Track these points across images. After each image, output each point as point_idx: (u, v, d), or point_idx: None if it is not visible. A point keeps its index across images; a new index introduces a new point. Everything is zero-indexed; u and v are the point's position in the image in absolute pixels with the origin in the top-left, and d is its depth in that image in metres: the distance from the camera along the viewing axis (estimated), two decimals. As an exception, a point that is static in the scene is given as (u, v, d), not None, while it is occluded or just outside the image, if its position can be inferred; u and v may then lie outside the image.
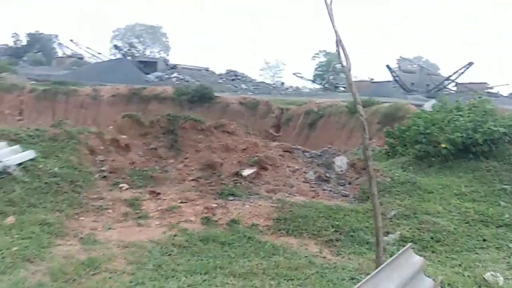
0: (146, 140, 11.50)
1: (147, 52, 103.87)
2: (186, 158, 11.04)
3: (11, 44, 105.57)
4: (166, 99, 49.94)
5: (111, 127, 12.05)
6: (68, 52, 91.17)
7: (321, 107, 43.48)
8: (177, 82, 62.33)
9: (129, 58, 77.43)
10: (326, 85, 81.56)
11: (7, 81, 54.69)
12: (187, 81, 64.47)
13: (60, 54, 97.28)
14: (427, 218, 8.11)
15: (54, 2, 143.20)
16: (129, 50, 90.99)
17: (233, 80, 70.60)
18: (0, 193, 7.93)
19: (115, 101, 50.41)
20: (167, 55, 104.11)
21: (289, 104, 48.76)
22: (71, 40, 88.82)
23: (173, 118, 11.76)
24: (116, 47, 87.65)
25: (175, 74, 69.50)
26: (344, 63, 5.33)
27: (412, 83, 66.98)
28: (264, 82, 78.54)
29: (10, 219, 7.20)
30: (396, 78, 67.15)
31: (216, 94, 49.82)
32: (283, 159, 11.13)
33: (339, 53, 5.26)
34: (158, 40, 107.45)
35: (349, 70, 5.34)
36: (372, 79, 77.24)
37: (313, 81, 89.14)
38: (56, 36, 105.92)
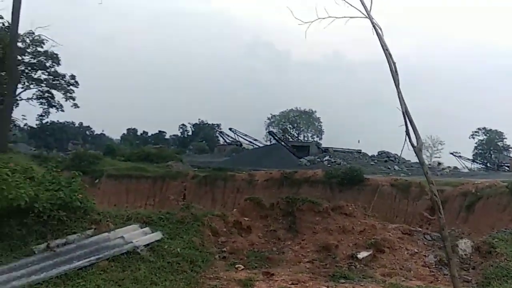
0: (266, 222, 11.97)
1: (301, 137, 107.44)
2: (303, 240, 11.23)
3: (179, 134, 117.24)
4: (316, 182, 50.56)
5: (235, 209, 12.81)
6: (228, 140, 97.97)
7: (478, 188, 40.72)
8: (329, 165, 63.08)
9: (282, 143, 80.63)
10: (488, 165, 76.33)
11: (173, 169, 59.92)
12: (338, 163, 64.95)
13: (221, 142, 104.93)
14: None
15: (217, 94, 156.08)
16: (283, 135, 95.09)
17: (385, 161, 69.52)
18: (128, 271, 8.87)
19: (268, 185, 52.33)
20: (320, 139, 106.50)
21: (444, 185, 46.29)
22: (230, 129, 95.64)
23: (291, 200, 12.17)
24: (270, 133, 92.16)
25: (326, 157, 70.57)
26: (415, 142, 5.34)
27: None
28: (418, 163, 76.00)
29: (132, 296, 8.00)
30: None
31: (366, 176, 49.35)
32: (401, 241, 10.79)
33: (407, 130, 5.30)
34: (312, 124, 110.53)
35: (420, 150, 5.34)
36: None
37: (473, 161, 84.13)
38: (218, 125, 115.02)
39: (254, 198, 12.85)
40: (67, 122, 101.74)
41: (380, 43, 6.24)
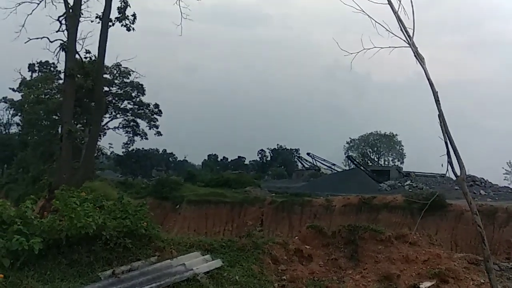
0: (328, 250, 11.87)
1: (381, 161, 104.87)
2: (365, 269, 11.03)
3: (258, 159, 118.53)
4: (396, 207, 48.99)
5: (296, 237, 12.79)
6: (306, 165, 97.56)
7: None
8: (410, 190, 61.11)
9: (362, 168, 79.16)
10: None
11: (251, 194, 60.37)
12: (420, 188, 62.78)
13: (299, 167, 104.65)
14: None
15: (295, 118, 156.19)
16: (362, 160, 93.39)
17: (471, 186, 66.21)
18: (187, 298, 9.17)
19: (346, 211, 51.36)
20: (402, 163, 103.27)
21: (528, 215, 43.65)
22: (308, 154, 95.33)
23: (353, 228, 12.01)
24: (349, 157, 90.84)
25: (408, 182, 68.41)
26: (458, 172, 5.20)
27: None
28: (508, 187, 71.71)
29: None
30: None
31: (450, 201, 47.37)
32: (467, 271, 10.34)
33: (450, 160, 5.19)
34: (393, 148, 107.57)
35: (463, 180, 5.19)
36: None
37: (562, 189, 78.02)
38: (297, 150, 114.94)
39: (316, 226, 12.80)
40: (152, 149, 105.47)
41: (424, 70, 6.18)
